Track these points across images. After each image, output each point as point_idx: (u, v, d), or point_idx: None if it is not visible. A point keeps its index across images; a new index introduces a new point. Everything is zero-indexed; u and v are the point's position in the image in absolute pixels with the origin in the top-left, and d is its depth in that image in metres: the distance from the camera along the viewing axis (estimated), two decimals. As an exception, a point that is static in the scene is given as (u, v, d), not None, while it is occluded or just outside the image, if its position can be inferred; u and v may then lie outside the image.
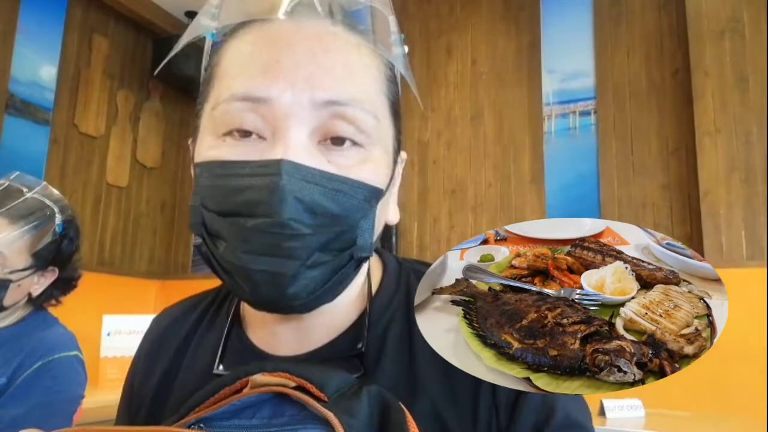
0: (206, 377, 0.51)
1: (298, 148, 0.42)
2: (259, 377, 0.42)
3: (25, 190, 1.21)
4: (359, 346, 0.48)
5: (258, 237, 0.41)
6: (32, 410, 1.09)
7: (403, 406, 0.42)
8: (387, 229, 0.60)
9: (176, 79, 3.44)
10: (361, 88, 0.45)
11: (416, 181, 3.03)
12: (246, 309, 0.55)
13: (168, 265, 3.62)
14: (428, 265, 0.55)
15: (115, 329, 2.51)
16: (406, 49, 0.49)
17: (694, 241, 2.42)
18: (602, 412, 1.66)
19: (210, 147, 0.45)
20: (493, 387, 0.45)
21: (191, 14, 3.49)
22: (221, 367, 0.51)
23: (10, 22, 2.80)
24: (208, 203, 0.44)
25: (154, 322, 0.64)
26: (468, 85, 3.02)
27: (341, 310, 0.51)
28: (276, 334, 0.52)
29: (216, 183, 0.44)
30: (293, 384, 0.42)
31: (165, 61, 0.57)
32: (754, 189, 2.29)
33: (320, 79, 0.43)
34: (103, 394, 2.30)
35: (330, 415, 0.37)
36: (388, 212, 0.51)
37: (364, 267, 0.52)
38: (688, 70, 2.48)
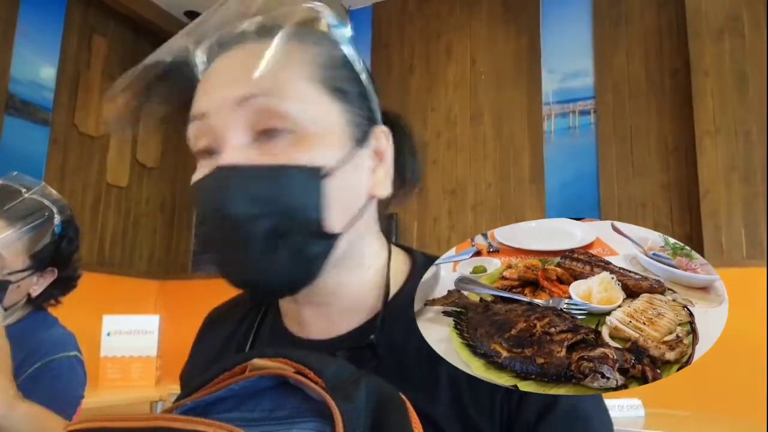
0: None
1: (232, 151, 0.48)
2: (258, 361, 0.43)
3: (23, 190, 1.21)
4: (371, 337, 0.51)
5: (212, 237, 0.48)
6: (32, 410, 1.09)
7: (404, 397, 0.42)
8: (387, 229, 0.61)
9: (176, 79, 3.44)
10: (279, 80, 0.49)
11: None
12: (282, 300, 0.60)
13: (168, 265, 3.62)
14: None
15: (115, 329, 2.51)
16: (348, 31, 0.53)
17: (694, 241, 2.42)
18: (602, 412, 1.66)
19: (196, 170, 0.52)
20: None
21: (191, 14, 3.49)
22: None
23: (9, 23, 2.80)
24: (197, 217, 0.51)
25: (205, 321, 0.70)
26: (468, 85, 3.02)
27: (363, 294, 0.55)
28: (305, 321, 0.56)
29: (193, 201, 0.51)
30: (292, 370, 0.42)
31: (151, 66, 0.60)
32: (754, 189, 2.30)
33: (238, 81, 0.49)
34: (103, 394, 2.31)
35: (327, 398, 0.38)
36: (370, 185, 0.54)
37: (378, 252, 0.57)
38: (688, 70, 2.49)
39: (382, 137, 0.55)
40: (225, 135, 0.49)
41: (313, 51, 0.52)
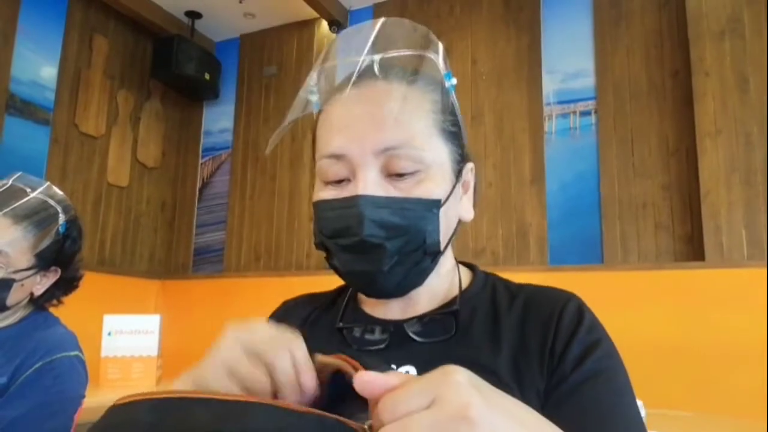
0: (331, 332, 0.67)
1: (370, 184, 0.59)
2: (321, 357, 0.47)
3: (28, 190, 1.21)
4: (454, 306, 0.63)
5: (350, 250, 0.59)
6: (33, 410, 1.09)
7: None
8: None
9: (176, 79, 3.45)
10: (408, 131, 0.60)
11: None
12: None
13: (168, 265, 3.62)
14: (509, 281, 0.70)
15: (115, 329, 2.51)
16: (454, 81, 0.64)
17: (695, 241, 2.42)
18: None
19: (319, 190, 0.64)
20: (552, 347, 0.59)
21: (191, 14, 3.49)
22: (341, 323, 0.67)
23: (10, 22, 2.80)
24: (322, 230, 0.62)
25: (278, 311, 0.78)
26: (468, 85, 3.02)
27: (435, 290, 0.67)
28: (386, 307, 0.68)
29: (323, 215, 0.62)
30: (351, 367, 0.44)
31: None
32: (754, 189, 2.30)
33: (376, 132, 0.59)
34: (104, 394, 2.30)
35: None
36: (461, 210, 0.67)
37: (448, 263, 0.69)
38: (689, 71, 2.49)
39: (470, 172, 0.70)
40: (362, 172, 0.59)
41: (431, 98, 0.63)
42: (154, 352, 2.47)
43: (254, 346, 0.45)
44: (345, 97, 0.63)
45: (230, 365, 0.44)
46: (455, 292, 0.67)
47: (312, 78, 0.66)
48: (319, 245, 0.64)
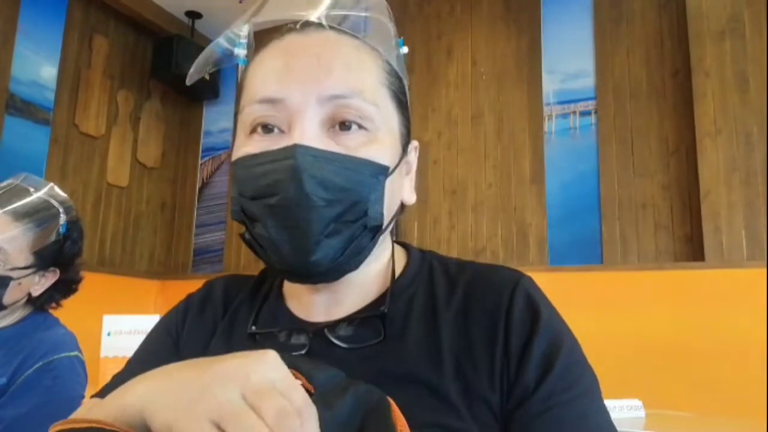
0: (241, 337, 0.58)
1: (309, 134, 0.50)
2: None
3: (31, 189, 1.21)
4: (381, 308, 0.54)
5: (281, 212, 0.49)
6: (33, 410, 1.09)
7: (392, 402, 0.42)
8: (396, 227, 0.65)
9: (176, 79, 3.44)
10: (360, 81, 0.52)
11: (416, 182, 3.02)
12: (286, 284, 0.62)
13: (168, 265, 3.62)
14: (449, 257, 0.62)
15: (115, 329, 2.51)
16: (405, 49, 0.58)
17: (695, 242, 2.42)
18: (602, 413, 1.65)
19: (241, 145, 0.53)
20: (504, 345, 0.51)
21: (191, 14, 3.49)
22: (254, 327, 0.58)
23: (10, 22, 2.80)
24: (244, 191, 0.52)
25: (209, 285, 0.69)
26: (468, 85, 3.02)
27: (368, 283, 0.58)
28: (310, 304, 0.58)
29: (247, 173, 0.51)
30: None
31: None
32: (754, 189, 2.30)
33: (324, 78, 0.51)
34: (104, 394, 2.30)
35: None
36: (403, 192, 0.59)
37: (385, 247, 0.60)
38: (689, 71, 2.49)
39: (413, 151, 0.61)
40: (302, 121, 0.50)
41: (383, 58, 0.56)
42: (153, 352, 2.47)
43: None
44: (286, 42, 0.54)
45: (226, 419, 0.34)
46: (385, 282, 0.58)
47: (242, 30, 0.57)
48: (239, 213, 0.53)
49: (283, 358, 0.42)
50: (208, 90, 3.58)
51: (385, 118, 0.54)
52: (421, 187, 3.10)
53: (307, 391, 0.40)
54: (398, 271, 0.60)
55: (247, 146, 0.52)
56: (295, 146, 0.49)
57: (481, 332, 0.52)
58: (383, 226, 0.53)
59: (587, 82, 2.78)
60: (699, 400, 2.03)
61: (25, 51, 2.85)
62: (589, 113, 2.75)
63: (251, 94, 0.53)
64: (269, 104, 0.51)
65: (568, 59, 2.83)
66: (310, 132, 0.50)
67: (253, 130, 0.53)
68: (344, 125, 0.51)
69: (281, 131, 0.52)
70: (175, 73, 3.33)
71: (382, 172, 0.52)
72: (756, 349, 1.99)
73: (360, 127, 0.52)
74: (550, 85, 2.85)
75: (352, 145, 0.51)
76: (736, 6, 2.42)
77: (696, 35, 2.48)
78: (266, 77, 0.53)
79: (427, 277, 0.59)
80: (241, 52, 0.57)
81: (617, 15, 2.75)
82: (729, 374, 2.03)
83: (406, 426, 0.41)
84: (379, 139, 0.53)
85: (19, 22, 2.84)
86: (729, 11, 2.43)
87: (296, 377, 0.41)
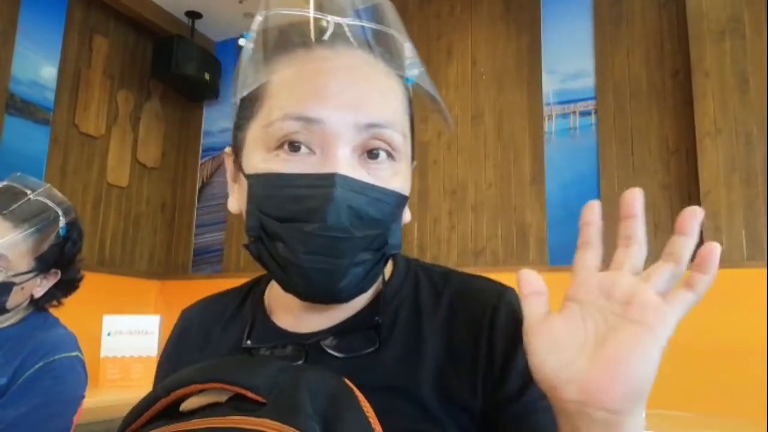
0: (235, 351, 0.58)
1: (345, 163, 0.50)
2: (195, 399, 0.42)
3: (28, 192, 1.20)
4: (376, 318, 0.55)
5: (315, 240, 0.48)
6: (33, 410, 1.09)
7: (350, 384, 0.43)
8: None
9: (176, 79, 3.44)
10: (393, 111, 0.53)
11: (416, 182, 3.03)
12: (271, 298, 0.62)
13: (168, 265, 3.62)
14: (433, 266, 0.63)
15: (115, 329, 2.51)
16: (424, 68, 0.58)
17: (695, 242, 2.42)
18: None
19: (263, 160, 0.52)
20: (488, 355, 0.52)
21: (191, 14, 3.49)
22: (249, 341, 0.57)
23: (10, 22, 2.80)
24: (266, 209, 0.51)
25: (178, 325, 0.69)
26: (468, 85, 3.02)
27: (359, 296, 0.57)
28: (300, 317, 0.58)
29: (274, 192, 0.50)
30: (229, 395, 0.41)
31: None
32: (754, 189, 2.30)
33: (362, 104, 0.51)
34: (104, 394, 2.30)
35: (274, 428, 0.37)
36: (405, 214, 0.59)
37: None
38: (689, 71, 2.48)
39: (413, 170, 0.61)
40: (339, 147, 0.50)
41: (404, 85, 0.57)
42: (153, 353, 2.47)
43: None
44: (316, 56, 0.52)
45: None
46: (373, 291, 0.59)
47: (254, 23, 0.55)
48: (257, 229, 0.52)
49: (222, 375, 0.41)
50: (208, 90, 3.58)
51: (407, 148, 0.55)
52: (421, 187, 3.11)
53: (258, 403, 0.39)
54: (386, 276, 0.61)
55: (272, 162, 0.51)
56: (335, 175, 0.48)
57: (466, 342, 0.53)
58: (398, 253, 0.55)
59: (587, 82, 2.78)
60: (699, 400, 2.03)
61: (25, 51, 2.85)
62: (589, 113, 2.75)
63: (283, 107, 0.51)
64: (303, 122, 0.50)
65: (568, 59, 2.83)
66: (345, 159, 0.50)
67: (280, 146, 0.51)
68: (372, 153, 0.52)
69: (310, 151, 0.51)
70: (175, 73, 3.33)
71: (403, 202, 0.54)
72: (756, 349, 1.99)
73: (389, 156, 0.52)
74: (550, 85, 2.85)
75: (383, 175, 0.52)
76: (736, 6, 2.42)
77: (696, 35, 2.48)
78: (303, 94, 0.51)
79: (413, 286, 0.60)
80: (248, 45, 0.55)
81: (617, 15, 2.75)
82: (729, 374, 2.03)
83: (370, 408, 0.41)
84: (402, 170, 0.54)
85: (19, 22, 2.83)
86: (729, 11, 2.43)
87: (244, 395, 0.40)
